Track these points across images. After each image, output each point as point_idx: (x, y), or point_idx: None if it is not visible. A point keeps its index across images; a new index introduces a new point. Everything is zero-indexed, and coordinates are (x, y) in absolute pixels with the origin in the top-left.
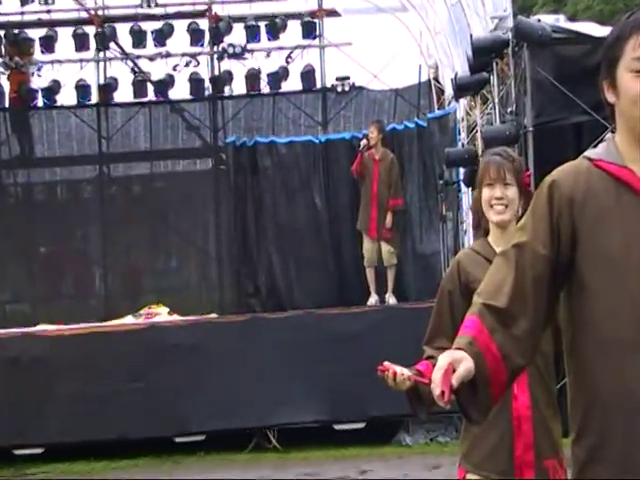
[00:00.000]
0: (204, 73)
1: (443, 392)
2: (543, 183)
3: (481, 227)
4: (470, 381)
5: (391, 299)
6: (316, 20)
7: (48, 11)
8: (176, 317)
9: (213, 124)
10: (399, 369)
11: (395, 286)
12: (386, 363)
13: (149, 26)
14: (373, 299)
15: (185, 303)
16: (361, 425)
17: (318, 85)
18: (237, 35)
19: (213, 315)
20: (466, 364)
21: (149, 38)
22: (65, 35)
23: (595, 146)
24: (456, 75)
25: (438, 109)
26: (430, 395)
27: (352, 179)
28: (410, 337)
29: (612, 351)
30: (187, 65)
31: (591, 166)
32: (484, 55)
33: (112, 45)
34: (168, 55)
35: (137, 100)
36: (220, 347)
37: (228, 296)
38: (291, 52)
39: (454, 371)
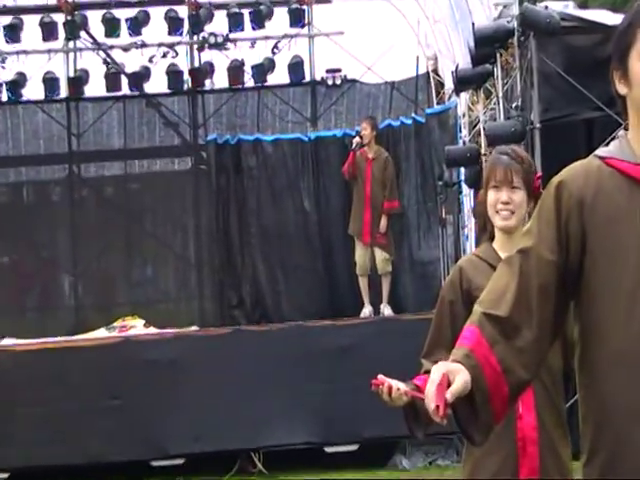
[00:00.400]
0: (183, 65)
1: (438, 406)
2: (550, 184)
3: (486, 231)
4: (468, 397)
5: (386, 310)
6: (305, 7)
7: None
8: (153, 330)
9: (193, 120)
10: (394, 383)
11: (390, 296)
12: (380, 377)
13: (123, 14)
14: (367, 310)
15: (163, 315)
16: (354, 447)
17: (307, 78)
18: (219, 23)
19: (193, 328)
20: (462, 377)
21: (123, 27)
22: (31, 23)
23: (607, 144)
24: (457, 67)
25: (437, 104)
26: (428, 412)
27: (344, 180)
28: (407, 351)
29: (626, 364)
30: (164, 56)
31: (602, 165)
32: (487, 45)
33: (83, 34)
34: (144, 45)
35: (110, 94)
36: (201, 363)
37: (209, 307)
38: (278, 42)
39: (449, 385)
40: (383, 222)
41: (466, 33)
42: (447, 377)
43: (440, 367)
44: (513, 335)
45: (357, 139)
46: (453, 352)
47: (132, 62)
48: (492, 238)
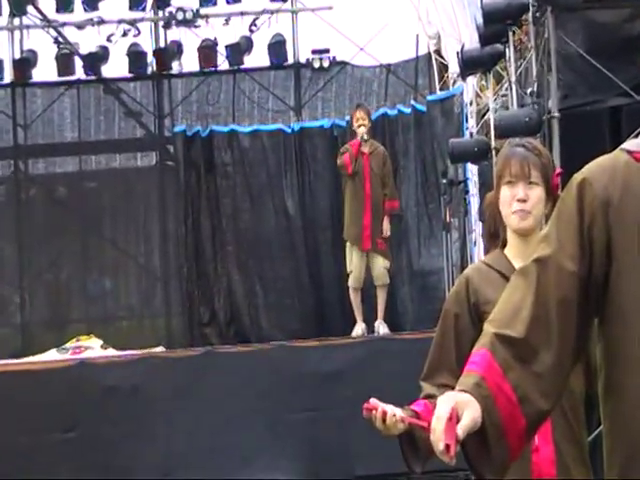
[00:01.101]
0: (146, 45)
1: (448, 445)
2: (571, 182)
3: (496, 237)
4: (479, 431)
5: (382, 328)
6: None
7: None
8: (112, 352)
9: (158, 109)
10: (390, 408)
11: (386, 312)
12: (373, 400)
13: None
14: (359, 328)
15: (123, 334)
16: None
17: (290, 60)
18: None
19: (159, 349)
20: (472, 410)
21: (77, 1)
22: None
23: (636, 135)
24: (463, 47)
25: (440, 90)
26: (428, 443)
27: (333, 178)
28: (406, 375)
29: None
30: (125, 35)
31: (630, 160)
32: (498, 22)
33: (30, 10)
34: (101, 22)
35: (62, 79)
36: (168, 389)
37: (177, 325)
38: (256, 19)
39: (459, 420)
40: (386, 225)
41: (473, 8)
42: (456, 411)
43: (447, 399)
44: (530, 359)
45: (363, 128)
46: (461, 380)
47: (87, 42)
48: (504, 245)
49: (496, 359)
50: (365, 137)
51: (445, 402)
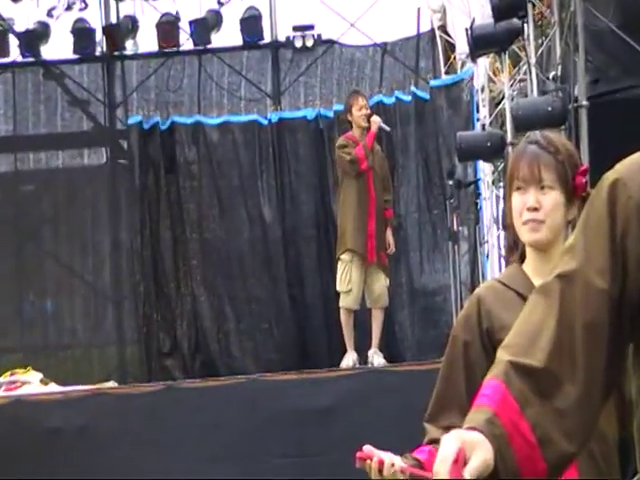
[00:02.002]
0: (95, 21)
1: None
2: (601, 182)
3: (516, 249)
4: (491, 476)
5: (377, 358)
6: None
7: None
8: (54, 387)
9: (109, 97)
10: (387, 457)
11: (383, 339)
12: (367, 448)
13: None
14: (350, 358)
15: (67, 367)
16: None
17: (267, 38)
18: None
19: (110, 384)
20: (483, 452)
21: None
22: None
23: None
24: (473, 23)
25: (446, 74)
26: None
27: (317, 179)
28: (405, 415)
29: None
30: (69, 8)
31: None
32: None
33: None
34: None
35: None
36: (121, 432)
37: (132, 355)
38: None
39: (466, 462)
40: (390, 235)
41: None
42: (463, 452)
43: (453, 438)
44: (551, 393)
45: (377, 117)
46: (470, 416)
47: (24, 17)
48: (522, 259)
49: (511, 392)
50: (376, 127)
51: (451, 441)
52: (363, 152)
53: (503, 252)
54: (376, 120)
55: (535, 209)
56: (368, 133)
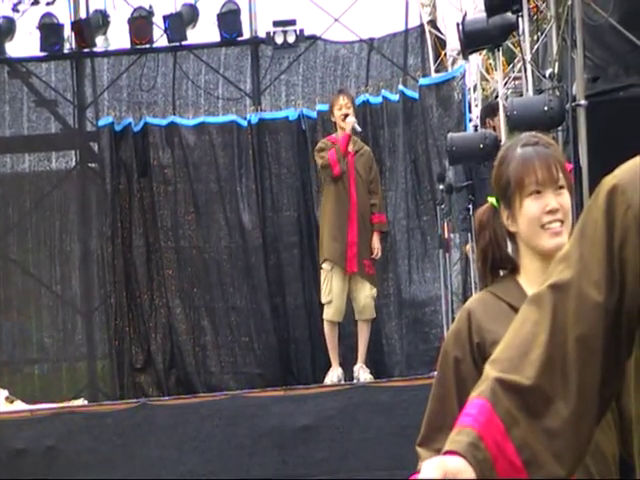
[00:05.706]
0: (63, 16)
1: None
2: (599, 188)
3: (500, 268)
4: None
5: (363, 374)
6: None
7: None
8: (20, 406)
9: (78, 97)
10: None
11: (369, 353)
12: None
13: None
14: (335, 374)
15: (34, 383)
16: None
17: (246, 34)
18: None
19: (79, 402)
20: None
21: None
22: None
23: None
24: (464, 17)
25: (436, 72)
26: None
27: (300, 183)
28: (394, 433)
29: None
30: (35, 3)
31: None
32: None
33: None
34: None
35: None
36: (92, 452)
37: (103, 371)
38: None
39: None
40: (376, 242)
41: None
42: None
43: (435, 465)
44: (541, 411)
45: (351, 118)
46: (452, 436)
47: None
48: (514, 269)
49: (497, 412)
50: (351, 128)
51: (432, 468)
52: (335, 156)
53: None
54: (349, 121)
55: (556, 211)
56: (342, 135)
